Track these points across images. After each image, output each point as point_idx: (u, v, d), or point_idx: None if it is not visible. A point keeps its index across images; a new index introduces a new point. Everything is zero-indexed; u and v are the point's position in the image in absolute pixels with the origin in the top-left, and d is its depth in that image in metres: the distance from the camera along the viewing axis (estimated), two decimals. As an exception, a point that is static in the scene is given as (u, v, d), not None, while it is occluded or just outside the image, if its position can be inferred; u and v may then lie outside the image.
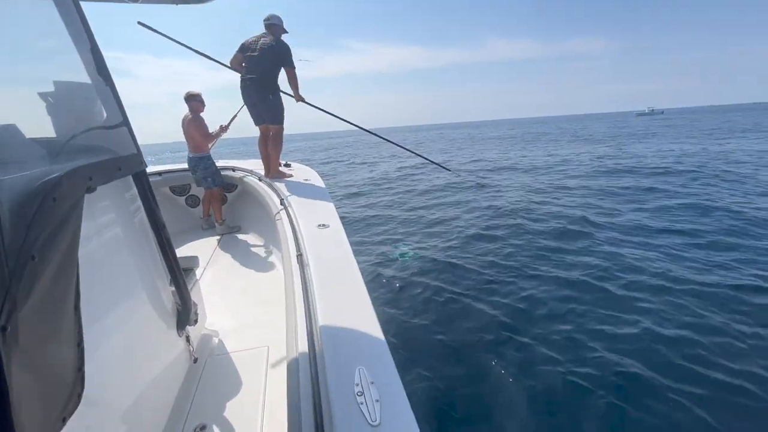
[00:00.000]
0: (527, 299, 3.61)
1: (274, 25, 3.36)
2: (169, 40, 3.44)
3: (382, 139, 4.65)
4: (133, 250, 1.15)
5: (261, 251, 3.29)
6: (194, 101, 3.63)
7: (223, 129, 3.92)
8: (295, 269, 1.61)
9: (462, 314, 3.45)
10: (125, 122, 1.07)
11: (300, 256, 1.72)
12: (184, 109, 3.72)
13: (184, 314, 1.38)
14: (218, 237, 3.73)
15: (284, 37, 3.39)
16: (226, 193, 4.20)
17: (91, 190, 0.80)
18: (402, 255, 4.92)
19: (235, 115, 3.95)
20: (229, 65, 3.46)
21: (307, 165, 4.13)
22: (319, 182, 3.36)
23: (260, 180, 3.45)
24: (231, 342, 1.89)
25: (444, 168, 5.18)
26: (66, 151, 0.82)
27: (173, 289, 1.34)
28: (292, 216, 2.27)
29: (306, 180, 3.40)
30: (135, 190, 1.17)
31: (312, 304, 1.30)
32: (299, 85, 3.42)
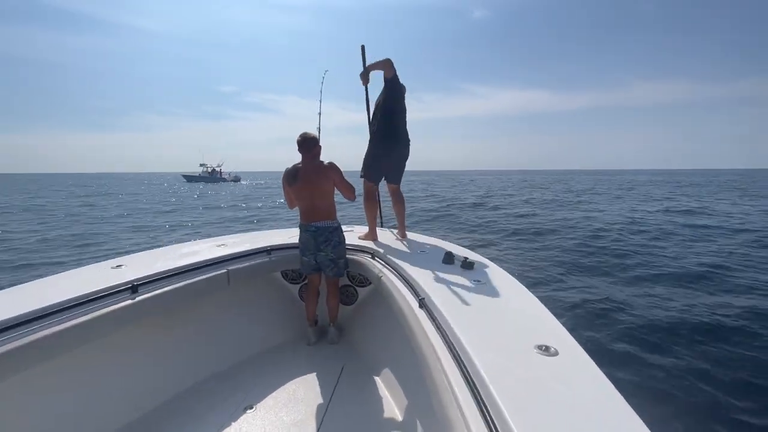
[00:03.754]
0: None
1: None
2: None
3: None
4: None
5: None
6: (317, 146, 2.55)
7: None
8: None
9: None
10: None
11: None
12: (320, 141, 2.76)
13: None
14: (334, 345, 2.71)
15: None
16: (358, 287, 2.98)
17: None
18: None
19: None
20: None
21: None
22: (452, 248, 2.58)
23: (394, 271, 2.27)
24: None
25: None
26: None
27: None
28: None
29: (426, 247, 2.70)
30: None
31: None
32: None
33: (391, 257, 2.40)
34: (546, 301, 1.59)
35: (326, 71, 3.67)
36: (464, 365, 1.15)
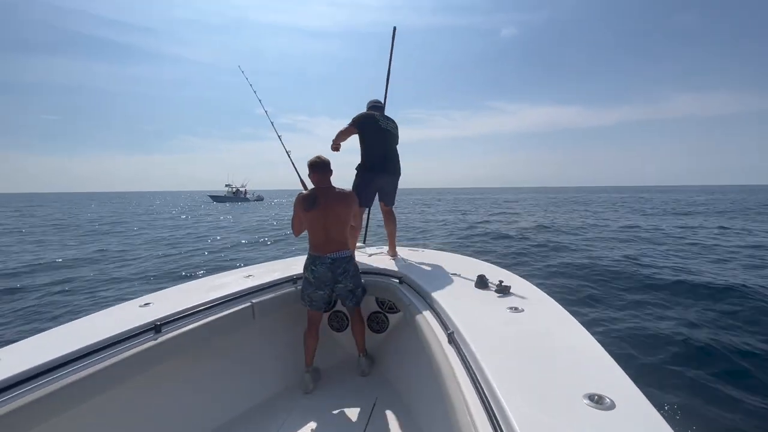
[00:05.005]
0: None
1: (382, 108, 3.27)
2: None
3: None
4: None
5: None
6: (331, 171, 2.42)
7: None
8: None
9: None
10: None
11: None
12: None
13: None
14: (365, 377, 2.55)
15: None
16: (388, 313, 2.87)
17: None
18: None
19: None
20: (341, 137, 2.99)
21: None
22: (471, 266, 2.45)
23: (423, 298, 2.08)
24: None
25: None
26: None
27: None
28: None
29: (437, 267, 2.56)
30: None
31: None
32: None
33: (419, 282, 2.21)
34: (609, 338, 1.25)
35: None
36: (495, 417, 0.97)
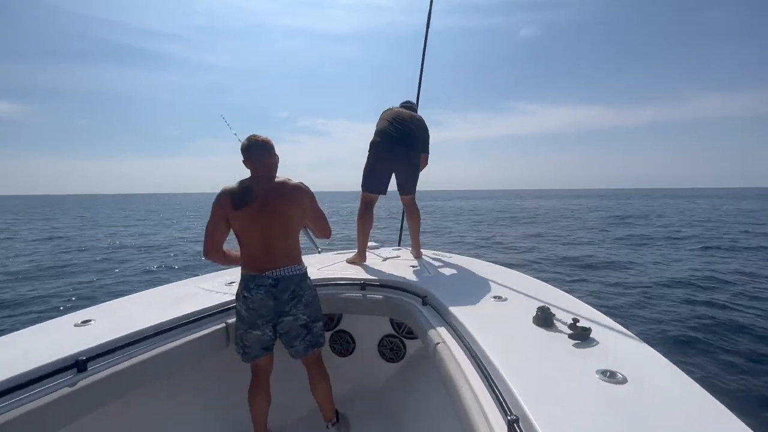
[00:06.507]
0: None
1: (415, 110, 2.93)
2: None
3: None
4: None
5: None
6: (274, 156, 1.81)
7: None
8: None
9: None
10: None
11: None
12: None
13: None
14: None
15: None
16: (406, 338, 2.30)
17: None
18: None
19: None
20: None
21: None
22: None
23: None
24: None
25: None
26: None
27: None
28: None
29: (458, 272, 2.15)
30: None
31: None
32: None
33: (450, 307, 1.55)
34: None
35: None
36: None
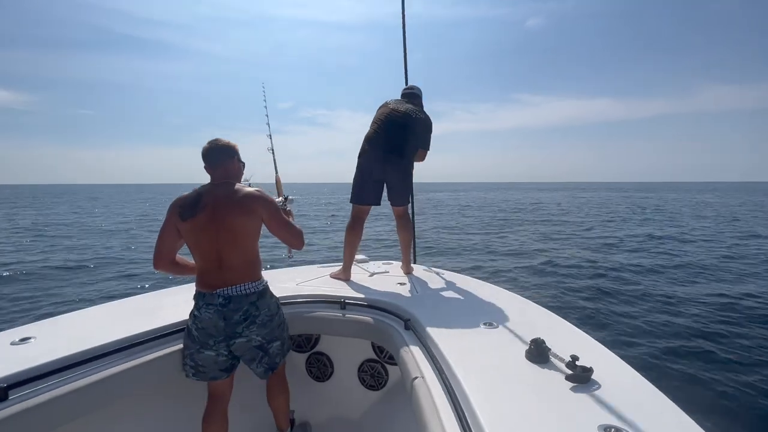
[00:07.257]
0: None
1: (418, 97, 2.58)
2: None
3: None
4: None
5: None
6: (235, 161, 1.67)
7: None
8: None
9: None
10: None
11: None
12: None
13: None
14: None
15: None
16: (388, 364, 2.07)
17: None
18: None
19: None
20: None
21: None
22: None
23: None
24: None
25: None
26: None
27: None
28: None
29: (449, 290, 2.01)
30: None
31: None
32: None
33: (433, 335, 1.39)
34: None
35: None
36: None
